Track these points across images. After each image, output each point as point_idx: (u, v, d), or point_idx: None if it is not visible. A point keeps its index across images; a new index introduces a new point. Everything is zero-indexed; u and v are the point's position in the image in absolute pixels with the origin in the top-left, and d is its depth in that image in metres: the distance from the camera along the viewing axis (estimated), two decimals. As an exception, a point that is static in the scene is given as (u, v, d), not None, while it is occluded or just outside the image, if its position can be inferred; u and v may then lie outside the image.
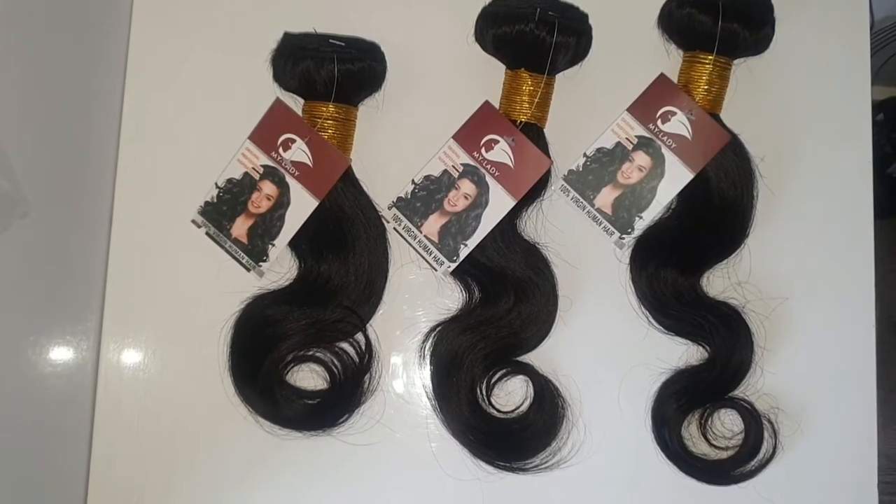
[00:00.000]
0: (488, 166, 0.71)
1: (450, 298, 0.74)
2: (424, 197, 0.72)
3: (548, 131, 0.72)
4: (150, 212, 0.74)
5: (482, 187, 0.71)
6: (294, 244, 0.73)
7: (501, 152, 0.70)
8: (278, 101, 0.72)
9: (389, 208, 0.73)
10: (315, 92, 0.70)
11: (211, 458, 0.73)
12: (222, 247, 0.73)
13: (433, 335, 0.73)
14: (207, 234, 0.73)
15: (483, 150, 0.71)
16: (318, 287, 0.72)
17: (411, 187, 0.72)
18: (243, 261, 0.73)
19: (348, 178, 0.72)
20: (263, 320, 0.71)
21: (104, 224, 0.73)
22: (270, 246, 0.73)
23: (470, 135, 0.71)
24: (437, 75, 0.74)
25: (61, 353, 0.75)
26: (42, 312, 0.74)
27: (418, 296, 0.74)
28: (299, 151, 0.71)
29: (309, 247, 0.72)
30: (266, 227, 0.72)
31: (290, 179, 0.72)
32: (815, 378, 0.73)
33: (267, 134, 0.72)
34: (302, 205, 0.72)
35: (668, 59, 0.73)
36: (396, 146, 0.74)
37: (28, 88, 0.73)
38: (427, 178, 0.72)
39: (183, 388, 0.73)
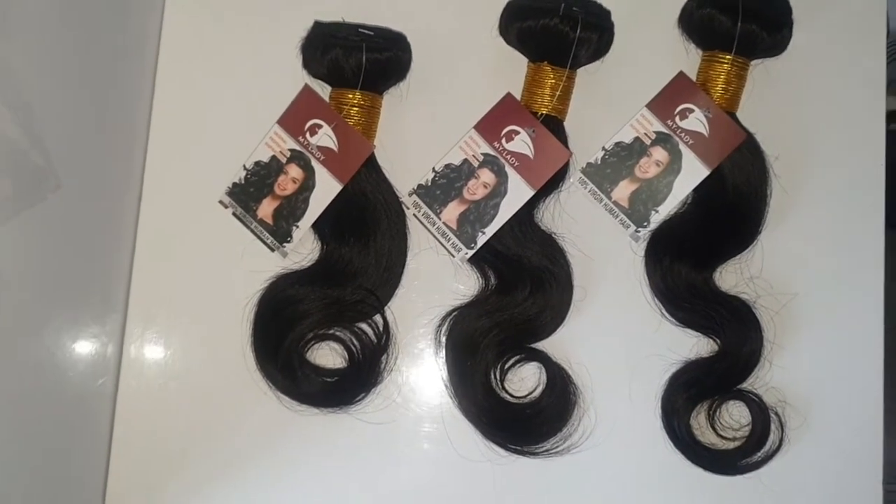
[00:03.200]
0: (508, 156, 0.73)
1: (466, 285, 0.75)
2: (444, 185, 0.74)
3: (567, 125, 0.74)
4: (179, 192, 0.76)
5: (501, 177, 0.73)
6: (317, 227, 0.75)
7: (522, 143, 0.72)
8: (307, 88, 0.74)
9: (410, 195, 0.75)
10: (343, 79, 0.72)
11: (230, 431, 0.75)
12: (248, 227, 0.75)
13: (449, 320, 0.75)
14: (234, 214, 0.75)
15: (504, 141, 0.73)
16: (339, 269, 0.73)
17: (432, 175, 0.74)
18: (268, 241, 0.75)
19: (371, 164, 0.74)
20: (286, 299, 0.73)
21: (133, 202, 0.75)
22: (294, 227, 0.75)
23: (491, 125, 0.73)
24: (460, 67, 0.76)
25: (87, 327, 0.77)
26: (69, 287, 0.76)
27: (435, 281, 0.75)
28: (325, 137, 0.73)
29: (332, 230, 0.74)
30: (291, 209, 0.74)
31: (315, 163, 0.74)
32: (822, 373, 0.74)
33: (295, 119, 0.74)
34: (326, 188, 0.74)
35: (687, 58, 0.75)
36: (418, 135, 0.76)
37: (61, 68, 0.75)
38: (447, 166, 0.74)
39: (205, 362, 0.75)
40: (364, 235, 0.73)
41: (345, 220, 0.74)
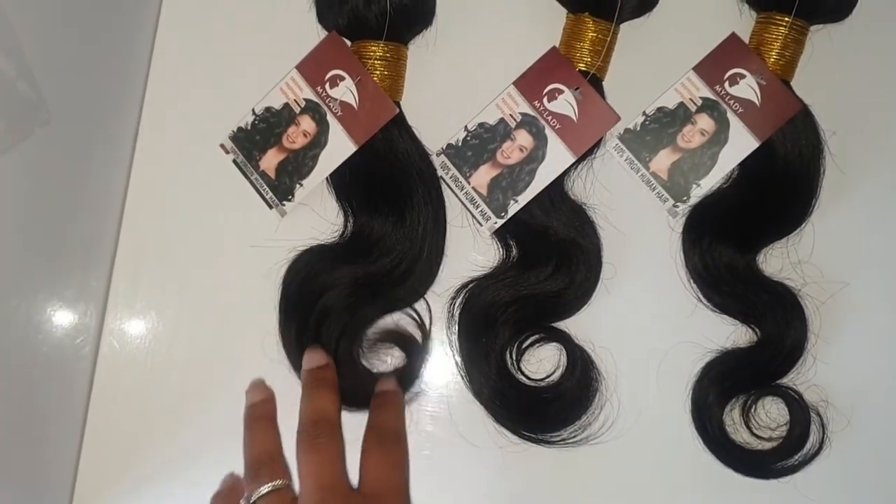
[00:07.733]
0: (549, 118, 0.66)
1: (485, 255, 0.69)
2: (476, 146, 0.67)
3: (605, 85, 0.68)
4: (178, 137, 0.70)
5: (540, 140, 0.66)
6: (341, 195, 0.68)
7: (565, 103, 0.66)
8: (334, 35, 0.67)
9: (438, 155, 0.68)
10: (365, 29, 0.66)
11: (220, 399, 0.69)
12: (248, 178, 0.69)
13: (464, 292, 0.68)
14: (235, 161, 0.69)
15: (545, 100, 0.66)
16: (369, 244, 0.67)
17: (463, 134, 0.68)
18: (267, 196, 0.69)
19: (402, 125, 0.68)
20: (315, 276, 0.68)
21: (128, 140, 0.69)
22: (298, 185, 0.68)
23: (533, 82, 0.66)
24: (489, 13, 0.69)
25: (68, 281, 0.71)
26: (51, 235, 0.70)
27: (450, 250, 0.69)
28: (347, 91, 0.67)
29: (361, 199, 0.68)
30: (296, 165, 0.68)
31: (331, 119, 0.67)
32: (871, 373, 0.68)
33: (316, 66, 0.67)
34: (339, 148, 0.67)
35: (740, 20, 0.68)
36: (446, 90, 0.69)
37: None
38: (481, 125, 0.67)
39: (196, 325, 0.69)
40: (398, 207, 0.66)
41: (377, 188, 0.67)
